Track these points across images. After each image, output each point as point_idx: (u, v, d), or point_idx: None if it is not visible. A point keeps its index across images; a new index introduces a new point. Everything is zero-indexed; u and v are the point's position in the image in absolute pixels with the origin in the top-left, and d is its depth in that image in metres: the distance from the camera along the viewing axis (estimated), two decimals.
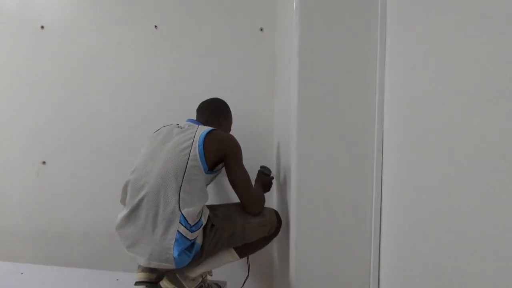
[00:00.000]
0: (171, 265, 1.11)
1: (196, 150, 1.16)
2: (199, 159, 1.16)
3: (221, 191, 1.78)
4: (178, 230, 1.09)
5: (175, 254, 1.08)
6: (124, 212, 1.19)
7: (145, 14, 1.80)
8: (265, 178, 1.49)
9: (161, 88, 1.82)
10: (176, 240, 1.08)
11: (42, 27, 1.85)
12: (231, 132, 1.51)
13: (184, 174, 1.13)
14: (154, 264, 1.12)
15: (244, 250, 1.34)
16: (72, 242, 1.87)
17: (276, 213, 1.38)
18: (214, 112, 1.40)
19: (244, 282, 1.46)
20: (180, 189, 1.12)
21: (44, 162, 1.88)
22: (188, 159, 1.14)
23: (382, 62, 1.16)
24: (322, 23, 1.18)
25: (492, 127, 0.61)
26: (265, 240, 1.36)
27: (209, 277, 1.30)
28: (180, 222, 1.09)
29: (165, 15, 1.80)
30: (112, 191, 1.81)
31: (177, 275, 1.19)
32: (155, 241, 1.10)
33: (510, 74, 0.57)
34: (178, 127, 1.29)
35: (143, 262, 1.12)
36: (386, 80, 1.15)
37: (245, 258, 1.39)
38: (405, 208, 1.03)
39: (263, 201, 1.33)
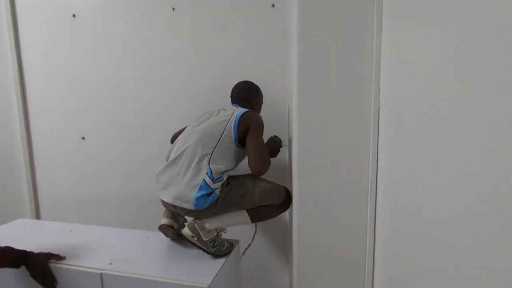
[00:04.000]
0: (190, 206, 1.35)
1: (231, 124, 1.46)
2: (232, 131, 1.45)
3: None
4: (203, 179, 1.35)
5: (196, 196, 1.34)
6: (166, 162, 1.50)
7: None
8: (274, 144, 1.64)
9: (181, 66, 1.95)
10: (200, 186, 1.35)
11: (74, 15, 2.04)
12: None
13: (219, 140, 1.43)
14: (177, 203, 1.37)
15: (255, 215, 1.50)
16: (110, 206, 2.14)
17: (287, 189, 1.53)
18: (246, 98, 1.65)
19: (254, 236, 1.64)
20: (214, 150, 1.41)
21: (83, 138, 2.14)
22: (224, 129, 1.45)
23: (378, 36, 1.20)
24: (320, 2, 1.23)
25: (485, 125, 0.62)
26: (275, 209, 1.52)
27: (223, 234, 1.47)
28: (206, 173, 1.36)
29: None
30: (142, 162, 2.05)
31: (196, 225, 1.38)
32: (183, 184, 1.38)
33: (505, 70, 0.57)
34: (223, 109, 1.59)
35: (170, 200, 1.39)
36: (382, 54, 1.20)
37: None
38: (399, 172, 1.11)
39: (268, 162, 1.46)
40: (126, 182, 2.11)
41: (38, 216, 2.27)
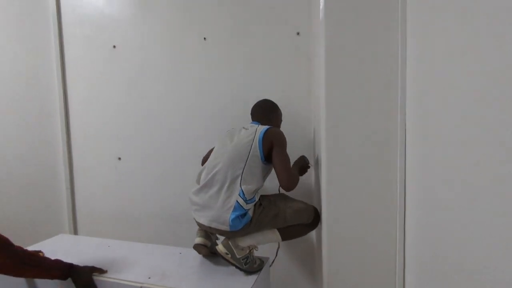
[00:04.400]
0: (226, 227, 1.41)
1: (256, 143, 1.52)
2: (258, 150, 1.51)
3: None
4: (237, 200, 1.42)
5: (231, 217, 1.40)
6: (198, 185, 1.57)
7: (195, 29, 2.08)
8: (303, 163, 1.71)
9: (212, 92, 2.08)
10: (234, 208, 1.41)
11: (114, 46, 2.23)
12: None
13: (247, 160, 1.49)
14: (214, 225, 1.44)
15: (286, 233, 1.56)
16: (144, 223, 2.26)
17: (315, 208, 1.59)
18: (265, 113, 1.73)
19: (277, 252, 1.71)
20: (243, 171, 1.47)
21: (119, 158, 2.28)
22: (250, 149, 1.51)
23: (403, 63, 1.27)
24: (346, 29, 1.33)
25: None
26: (304, 228, 1.59)
27: (255, 251, 1.53)
28: (239, 195, 1.43)
29: (212, 28, 2.05)
30: (173, 182, 2.16)
31: (230, 243, 1.45)
32: (217, 207, 1.44)
33: None
34: (244, 128, 1.64)
35: (206, 222, 1.46)
36: (407, 79, 1.27)
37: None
38: (427, 187, 1.15)
39: (297, 179, 1.53)
40: (159, 200, 2.22)
41: (75, 233, 2.40)
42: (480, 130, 0.77)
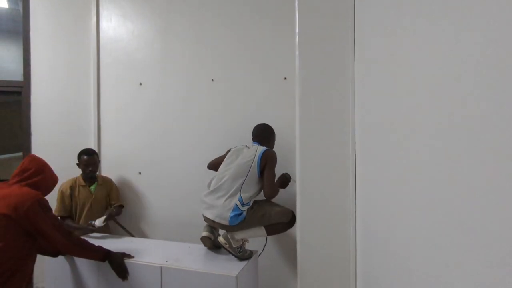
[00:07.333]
0: (226, 222, 1.90)
1: (255, 163, 2.01)
2: (256, 168, 2.01)
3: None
4: (236, 203, 1.91)
5: (230, 215, 1.88)
6: (209, 190, 2.06)
7: (205, 72, 2.65)
8: (284, 179, 2.21)
9: (217, 120, 2.63)
10: (233, 208, 1.90)
11: (141, 83, 2.80)
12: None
13: (247, 175, 1.99)
14: (217, 220, 1.92)
15: (270, 229, 2.05)
16: (160, 225, 2.75)
17: (292, 212, 2.09)
18: (265, 136, 2.25)
19: (263, 248, 2.18)
20: (243, 182, 1.97)
21: (140, 173, 2.80)
22: (250, 167, 2.00)
23: (353, 103, 1.83)
24: (315, 77, 1.90)
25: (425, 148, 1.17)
26: (284, 226, 2.07)
27: (246, 244, 2.02)
28: (238, 199, 1.92)
29: (218, 72, 2.63)
30: (184, 194, 2.66)
31: (228, 235, 1.94)
32: (221, 207, 1.92)
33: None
34: (247, 147, 2.12)
35: (212, 217, 1.94)
36: (356, 119, 1.82)
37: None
38: (368, 195, 1.67)
39: (276, 192, 2.05)
40: (171, 207, 2.72)
41: None
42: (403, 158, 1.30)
